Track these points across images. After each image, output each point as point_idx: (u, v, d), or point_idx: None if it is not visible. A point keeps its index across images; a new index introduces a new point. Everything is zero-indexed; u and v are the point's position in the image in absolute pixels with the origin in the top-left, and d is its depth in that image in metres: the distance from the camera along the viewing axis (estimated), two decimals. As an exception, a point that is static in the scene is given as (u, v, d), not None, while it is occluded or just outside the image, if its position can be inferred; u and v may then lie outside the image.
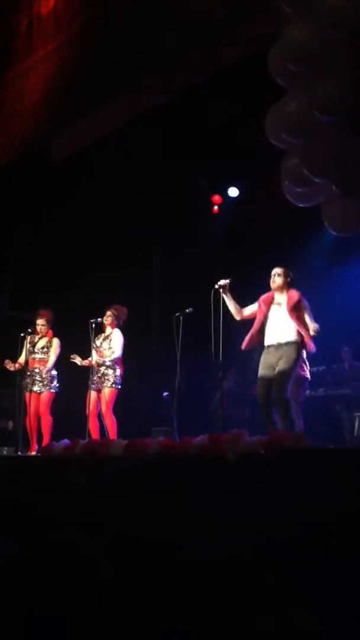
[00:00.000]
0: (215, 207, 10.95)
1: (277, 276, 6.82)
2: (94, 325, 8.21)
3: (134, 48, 7.71)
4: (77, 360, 8.28)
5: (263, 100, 6.04)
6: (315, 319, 6.63)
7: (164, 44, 7.36)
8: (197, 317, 7.56)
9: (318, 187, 5.98)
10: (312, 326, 6.51)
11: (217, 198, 10.91)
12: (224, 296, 6.83)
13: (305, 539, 4.49)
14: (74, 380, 8.75)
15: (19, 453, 8.51)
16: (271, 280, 6.86)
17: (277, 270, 6.84)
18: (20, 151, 9.42)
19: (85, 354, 8.33)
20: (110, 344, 8.29)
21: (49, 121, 8.96)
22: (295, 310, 6.65)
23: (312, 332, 6.48)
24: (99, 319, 8.27)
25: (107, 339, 8.32)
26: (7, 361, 8.65)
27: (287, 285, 6.79)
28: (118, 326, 8.38)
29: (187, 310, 7.56)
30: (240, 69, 7.15)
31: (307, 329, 6.56)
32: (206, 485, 5.35)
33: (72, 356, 8.33)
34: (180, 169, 9.97)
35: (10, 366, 8.61)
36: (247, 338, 6.76)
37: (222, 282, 6.83)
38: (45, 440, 8.26)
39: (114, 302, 8.60)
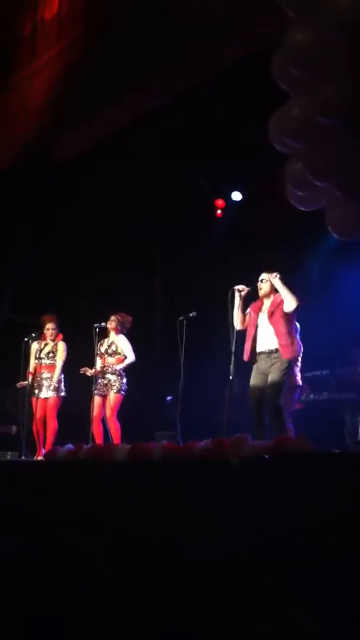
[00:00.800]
0: (219, 211, 10.95)
1: (262, 282, 6.80)
2: (97, 330, 8.22)
3: (135, 50, 7.73)
4: (88, 372, 8.28)
5: (265, 101, 6.05)
6: (319, 322, 6.63)
7: (164, 45, 7.38)
8: (200, 321, 7.57)
9: (321, 191, 5.98)
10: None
11: (220, 202, 10.91)
12: (237, 302, 6.83)
13: (307, 543, 4.49)
14: (76, 385, 8.75)
15: (23, 458, 8.52)
16: (258, 287, 6.86)
17: (263, 276, 6.82)
18: (23, 153, 9.45)
19: (88, 358, 8.34)
20: (117, 350, 8.27)
21: (52, 124, 8.98)
22: (275, 314, 6.64)
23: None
24: (103, 324, 8.28)
25: (112, 345, 8.31)
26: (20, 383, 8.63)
27: (274, 291, 6.78)
28: (122, 333, 8.38)
29: (190, 315, 7.57)
30: (241, 69, 7.16)
31: (287, 333, 6.54)
32: (209, 489, 5.35)
33: (82, 370, 8.31)
34: (181, 171, 9.97)
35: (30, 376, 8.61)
36: (245, 348, 6.76)
37: (241, 287, 6.82)
38: (48, 445, 8.26)
39: (117, 306, 8.60)
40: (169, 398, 9.77)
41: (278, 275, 6.62)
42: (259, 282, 6.82)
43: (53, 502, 6.47)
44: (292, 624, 3.21)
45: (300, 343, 6.93)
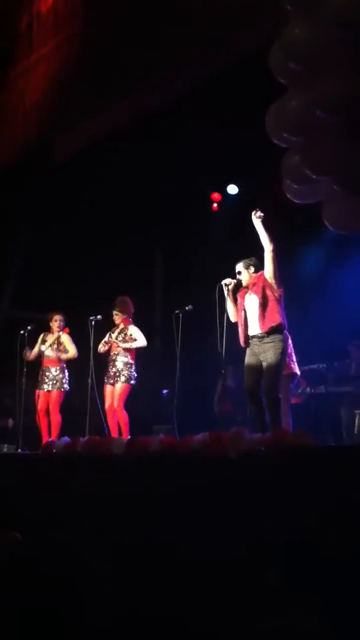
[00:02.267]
0: (215, 205, 10.94)
1: (239, 274, 6.79)
2: (93, 323, 8.22)
3: (134, 48, 7.70)
4: (104, 348, 8.29)
5: (263, 100, 6.03)
6: (316, 316, 6.60)
7: (164, 44, 7.36)
8: (197, 315, 7.57)
9: (318, 185, 5.97)
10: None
11: (216, 196, 10.89)
12: (226, 295, 6.83)
13: (306, 537, 4.50)
14: (75, 378, 8.77)
15: (19, 451, 8.53)
16: (238, 279, 6.82)
17: (237, 269, 6.80)
18: (22, 151, 9.41)
19: (87, 351, 8.35)
20: (127, 337, 8.24)
21: (50, 121, 8.95)
22: (256, 285, 6.58)
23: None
24: (99, 317, 8.27)
25: (122, 332, 8.29)
26: (25, 350, 8.73)
27: (254, 273, 6.71)
28: (131, 321, 8.36)
29: (186, 308, 7.57)
30: (240, 69, 7.15)
31: (272, 301, 6.48)
32: (208, 483, 5.36)
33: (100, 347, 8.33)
34: (181, 168, 9.97)
35: (29, 355, 8.70)
36: (239, 335, 6.73)
37: (228, 280, 6.82)
38: (53, 438, 8.28)
39: (114, 298, 8.59)
40: (165, 392, 9.78)
41: (260, 215, 6.49)
42: (237, 275, 6.80)
43: (49, 496, 6.48)
44: (292, 621, 3.22)
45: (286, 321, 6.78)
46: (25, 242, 10.33)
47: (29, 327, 8.78)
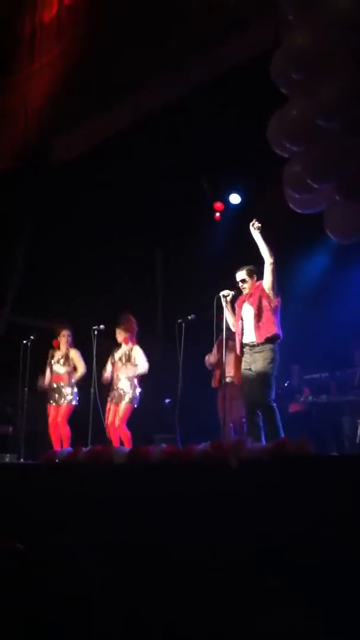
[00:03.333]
0: (217, 214, 10.94)
1: (243, 282, 6.80)
2: (96, 333, 8.22)
3: (135, 51, 7.72)
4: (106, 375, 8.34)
5: (265, 103, 6.04)
6: (318, 325, 6.60)
7: (165, 47, 7.37)
8: (199, 324, 7.57)
9: (320, 194, 5.99)
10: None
11: (219, 205, 10.90)
12: (225, 306, 6.85)
13: (307, 545, 4.49)
14: (80, 393, 8.77)
15: (22, 460, 8.52)
16: (240, 287, 6.84)
17: (241, 277, 6.81)
18: (23, 155, 9.43)
19: (89, 360, 8.37)
20: (130, 358, 8.26)
21: (52, 125, 8.97)
22: (254, 295, 6.59)
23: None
24: (101, 326, 8.27)
25: (125, 354, 8.31)
26: (40, 380, 8.81)
27: (255, 281, 6.73)
28: (134, 340, 8.37)
29: (189, 317, 7.57)
30: (242, 71, 7.16)
31: (266, 311, 6.47)
32: (209, 492, 5.35)
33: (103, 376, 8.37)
34: (182, 172, 9.97)
35: (43, 384, 8.78)
36: (237, 344, 6.75)
37: (226, 292, 6.85)
38: None
39: (118, 308, 8.59)
40: (167, 401, 9.77)
41: (259, 226, 6.48)
42: (241, 283, 6.82)
43: (52, 505, 6.47)
44: (293, 627, 3.21)
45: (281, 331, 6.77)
46: (25, 246, 10.32)
47: (31, 337, 8.79)
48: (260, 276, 6.68)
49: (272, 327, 6.46)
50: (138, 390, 8.22)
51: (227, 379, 7.30)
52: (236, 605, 3.84)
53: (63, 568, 3.78)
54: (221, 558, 4.73)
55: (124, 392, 8.15)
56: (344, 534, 4.32)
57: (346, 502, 4.44)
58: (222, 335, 6.89)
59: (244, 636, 3.37)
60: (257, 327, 6.48)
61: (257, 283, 6.66)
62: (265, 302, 6.52)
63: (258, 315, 6.49)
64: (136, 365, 8.23)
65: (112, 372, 8.30)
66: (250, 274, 6.77)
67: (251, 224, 6.52)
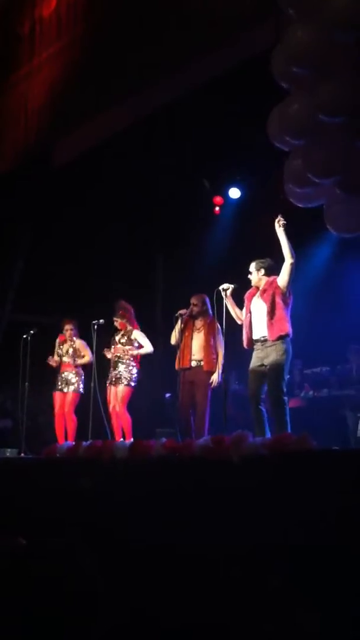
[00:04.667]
0: (217, 208, 10.93)
1: (251, 274, 6.77)
2: (96, 327, 8.22)
3: (135, 50, 7.69)
4: (108, 354, 8.31)
5: (266, 101, 6.02)
6: (320, 320, 6.58)
7: (165, 45, 7.34)
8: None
9: (320, 188, 5.96)
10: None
11: (218, 199, 10.89)
12: (225, 300, 6.83)
13: (308, 540, 4.49)
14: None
15: (22, 455, 8.52)
16: (250, 277, 6.79)
17: (251, 268, 6.78)
18: (23, 156, 9.40)
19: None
20: (131, 338, 8.26)
21: (52, 125, 8.94)
22: (267, 292, 6.55)
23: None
24: (101, 321, 8.27)
25: (126, 335, 8.31)
26: (49, 358, 8.82)
27: (266, 275, 6.68)
28: (134, 325, 8.37)
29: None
30: (242, 69, 7.14)
31: (280, 309, 6.44)
32: (210, 487, 5.35)
33: (104, 350, 8.34)
34: (182, 171, 9.96)
35: (53, 362, 8.80)
36: (243, 336, 6.72)
37: (226, 285, 6.82)
38: (70, 440, 8.30)
39: (115, 303, 8.59)
40: (168, 395, 9.77)
41: (284, 223, 6.37)
42: (249, 274, 6.78)
43: (52, 500, 6.47)
44: (294, 622, 3.21)
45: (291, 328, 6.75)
46: (26, 245, 10.32)
47: (31, 332, 8.79)
48: (267, 272, 6.65)
49: (284, 325, 6.43)
50: (135, 370, 8.20)
51: (193, 363, 7.31)
52: (237, 600, 3.84)
53: (64, 563, 3.77)
54: (221, 554, 4.73)
55: (121, 374, 8.14)
56: (346, 529, 4.32)
57: (347, 497, 4.43)
58: (184, 316, 6.85)
59: (243, 632, 3.37)
60: (270, 324, 6.44)
61: (271, 279, 6.60)
62: (278, 300, 6.47)
63: (271, 312, 6.44)
64: (136, 347, 8.22)
65: (112, 355, 8.29)
66: (258, 268, 6.71)
67: (276, 220, 6.42)
